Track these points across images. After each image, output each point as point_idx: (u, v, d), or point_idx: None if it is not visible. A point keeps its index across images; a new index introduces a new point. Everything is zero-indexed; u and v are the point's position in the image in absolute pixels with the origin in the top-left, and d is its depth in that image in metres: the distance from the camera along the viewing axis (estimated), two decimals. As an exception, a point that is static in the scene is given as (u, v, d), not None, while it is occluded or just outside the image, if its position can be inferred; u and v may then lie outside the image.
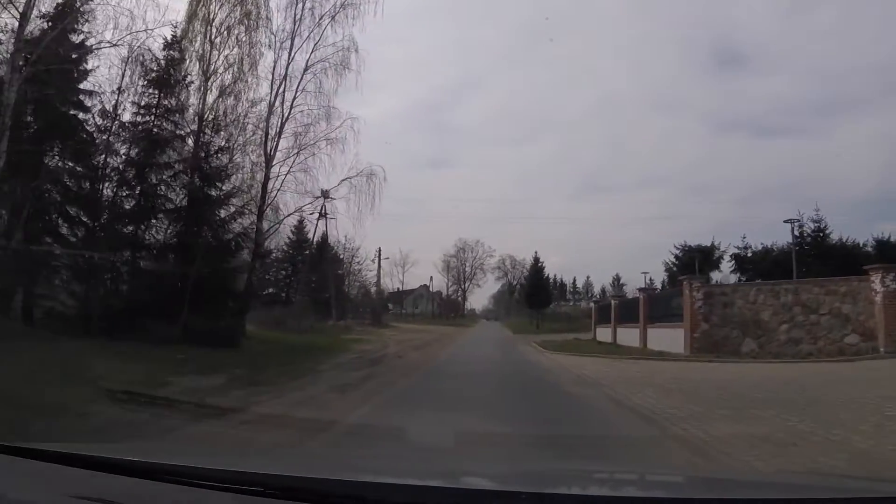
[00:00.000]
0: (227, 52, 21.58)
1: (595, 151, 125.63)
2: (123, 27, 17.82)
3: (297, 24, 23.12)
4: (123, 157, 19.99)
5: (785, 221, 39.47)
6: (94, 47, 18.62)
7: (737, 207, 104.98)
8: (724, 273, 47.92)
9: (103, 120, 19.83)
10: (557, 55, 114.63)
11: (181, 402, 8.97)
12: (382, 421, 8.79)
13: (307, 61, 23.32)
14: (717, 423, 8.63)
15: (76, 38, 19.01)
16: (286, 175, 23.32)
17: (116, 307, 17.52)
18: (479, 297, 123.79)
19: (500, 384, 15.13)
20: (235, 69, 21.50)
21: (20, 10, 16.05)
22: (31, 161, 17.19)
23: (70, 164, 19.23)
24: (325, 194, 27.60)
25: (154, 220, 20.07)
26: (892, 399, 10.05)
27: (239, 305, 21.82)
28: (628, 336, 31.23)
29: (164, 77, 20.18)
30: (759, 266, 40.53)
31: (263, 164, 22.55)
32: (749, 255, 44.12)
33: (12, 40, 16.15)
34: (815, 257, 37.69)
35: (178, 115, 20.52)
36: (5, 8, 16.01)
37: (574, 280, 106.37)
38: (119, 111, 19.95)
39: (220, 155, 21.17)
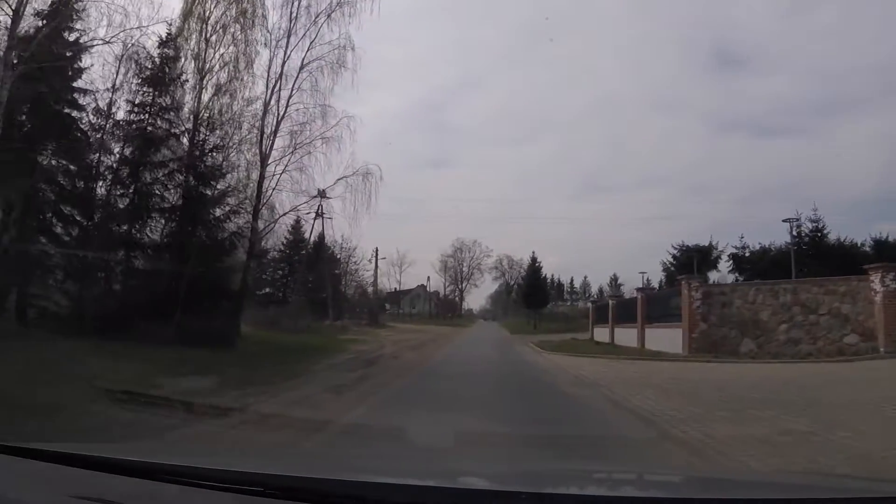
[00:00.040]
0: (222, 50, 21.41)
1: (593, 152, 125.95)
2: (117, 24, 17.73)
3: (293, 21, 22.95)
4: (117, 155, 19.91)
5: (784, 221, 39.69)
6: (86, 44, 18.53)
7: (735, 207, 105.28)
8: (722, 273, 47.96)
9: (97, 118, 19.76)
10: (557, 55, 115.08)
11: (173, 403, 8.82)
12: (377, 422, 8.79)
13: (303, 60, 23.14)
14: (717, 424, 8.56)
15: (70, 36, 18.87)
16: (282, 174, 23.15)
17: (110, 307, 17.38)
18: (477, 298, 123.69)
19: (497, 385, 15.05)
20: (231, 67, 21.33)
21: (13, 6, 15.90)
22: (25, 160, 17.05)
23: (64, 162, 19.05)
24: (322, 194, 27.60)
25: (148, 219, 19.93)
26: (893, 400, 9.98)
27: (234, 305, 21.69)
28: (626, 336, 31.16)
29: (159, 75, 20.10)
30: (757, 266, 40.47)
31: (259, 163, 22.38)
32: (747, 254, 44.08)
33: (5, 38, 16.00)
34: (813, 257, 37.64)
35: (172, 113, 20.44)
36: (-2, 5, 15.88)
37: (571, 280, 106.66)
38: (113, 109, 19.89)
39: (215, 153, 21.04)
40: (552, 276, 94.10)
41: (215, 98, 21.19)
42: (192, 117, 20.80)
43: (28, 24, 17.07)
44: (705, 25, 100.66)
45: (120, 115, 20.03)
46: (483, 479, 2.79)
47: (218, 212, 20.92)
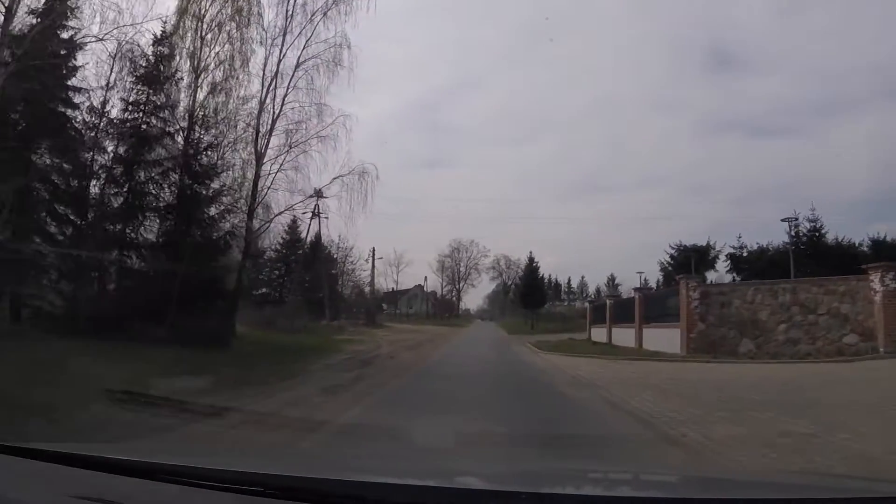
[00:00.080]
0: (217, 48, 21.40)
1: (590, 152, 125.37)
2: (110, 21, 17.63)
3: (289, 20, 22.94)
4: (111, 154, 19.82)
5: (783, 220, 39.81)
6: (80, 41, 18.43)
7: (732, 207, 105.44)
8: (720, 273, 47.90)
9: (91, 116, 19.65)
10: (556, 55, 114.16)
11: (167, 403, 8.68)
12: (373, 422, 8.79)
13: (299, 58, 23.16)
14: (717, 425, 8.48)
15: (64, 34, 18.75)
16: (277, 173, 23.21)
17: (104, 306, 17.32)
18: (474, 297, 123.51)
19: (494, 385, 14.97)
20: (226, 66, 21.31)
21: (6, 4, 15.80)
22: (19, 158, 16.92)
23: (58, 161, 18.91)
24: (319, 193, 27.48)
25: (142, 219, 19.84)
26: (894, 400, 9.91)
27: (229, 305, 21.62)
28: (624, 336, 31.08)
29: (154, 73, 20.03)
30: (755, 266, 40.44)
31: (254, 162, 22.37)
32: (744, 254, 44.12)
33: (-1, 35, 15.88)
34: (811, 257, 37.63)
35: (167, 111, 20.34)
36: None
37: (569, 280, 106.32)
38: (107, 108, 19.81)
39: (210, 152, 20.96)
40: (550, 276, 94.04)
41: (210, 96, 21.20)
42: (187, 116, 20.75)
43: (23, 22, 17.02)
44: (703, 26, 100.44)
45: (114, 113, 20.00)
46: (483, 479, 2.79)
47: (213, 211, 20.87)
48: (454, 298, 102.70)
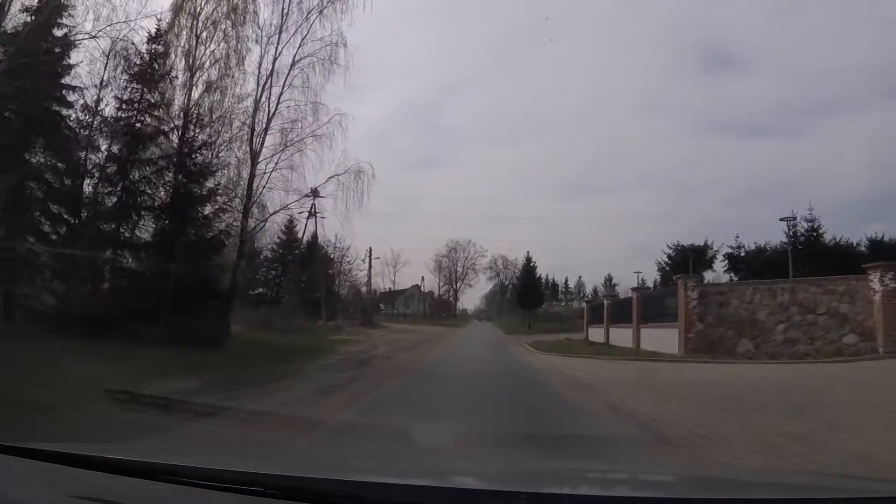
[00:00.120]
0: (213, 46, 21.21)
1: (588, 151, 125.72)
2: (104, 18, 17.48)
3: (285, 18, 22.78)
4: (105, 152, 19.66)
5: (781, 219, 39.84)
6: (72, 38, 18.24)
7: (730, 207, 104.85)
8: (718, 273, 47.98)
9: (85, 115, 19.49)
10: (555, 56, 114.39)
11: (159, 403, 8.62)
12: (369, 423, 8.76)
13: (294, 56, 23.03)
14: (717, 426, 8.39)
15: (59, 32, 18.59)
16: (272, 172, 23.08)
17: (98, 306, 17.12)
18: (471, 297, 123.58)
19: (490, 386, 14.89)
20: (222, 64, 21.12)
21: (-1, 1, 15.65)
22: (13, 157, 16.78)
23: (52, 160, 18.77)
24: (314, 192, 27.35)
25: (136, 218, 19.66)
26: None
27: (223, 305, 21.46)
28: (621, 336, 30.99)
29: (148, 71, 19.86)
30: (753, 265, 40.50)
31: (249, 161, 22.26)
32: (742, 254, 44.16)
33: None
34: (809, 257, 37.67)
35: (161, 110, 20.15)
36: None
37: (566, 280, 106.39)
38: (101, 106, 19.65)
39: (204, 151, 20.82)
40: (547, 276, 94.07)
41: (205, 95, 21.03)
42: (181, 114, 20.58)
43: (15, 19, 16.87)
44: (699, 26, 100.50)
45: (108, 111, 19.84)
46: (483, 479, 2.77)
47: (208, 210, 20.68)
48: (451, 298, 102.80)
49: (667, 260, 51.78)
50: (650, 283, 57.87)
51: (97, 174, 19.45)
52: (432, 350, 29.05)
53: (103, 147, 19.68)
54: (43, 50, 17.16)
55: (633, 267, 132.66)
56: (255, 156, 22.35)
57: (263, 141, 22.75)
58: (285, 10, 22.73)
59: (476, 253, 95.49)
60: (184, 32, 20.92)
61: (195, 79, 20.87)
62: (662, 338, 24.27)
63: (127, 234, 19.57)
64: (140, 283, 18.53)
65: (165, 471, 2.15)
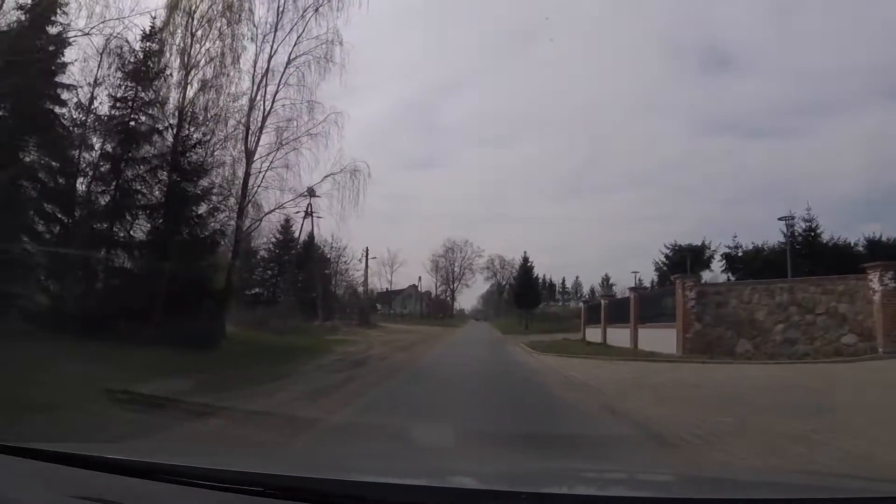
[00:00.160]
0: (208, 44, 21.11)
1: (586, 151, 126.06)
2: (97, 14, 17.36)
3: (280, 16, 22.75)
4: (99, 151, 19.52)
5: (780, 218, 39.92)
6: (66, 35, 18.10)
7: (727, 207, 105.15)
8: (715, 273, 48.03)
9: (78, 113, 19.36)
10: (553, 55, 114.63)
11: (155, 403, 8.68)
12: (364, 422, 8.81)
13: (290, 54, 22.99)
14: (717, 427, 8.27)
15: (53, 30, 18.45)
16: (268, 171, 23.05)
17: (91, 306, 16.96)
18: (468, 298, 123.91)
19: (486, 387, 14.78)
20: (217, 62, 21.02)
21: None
22: (6, 155, 16.65)
23: (45, 158, 18.61)
24: (311, 192, 27.28)
25: (130, 217, 19.49)
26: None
27: (218, 305, 21.30)
28: (618, 336, 30.88)
29: (142, 69, 19.72)
30: (750, 265, 40.57)
31: (244, 160, 22.15)
32: (740, 254, 44.18)
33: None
34: (807, 257, 37.74)
35: (156, 108, 20.00)
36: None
37: (563, 280, 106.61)
38: (95, 104, 19.52)
39: (199, 149, 20.67)
40: (544, 276, 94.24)
41: (200, 93, 20.90)
42: (176, 113, 20.41)
43: (8, 16, 16.76)
44: (696, 26, 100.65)
45: (102, 109, 19.69)
46: (483, 479, 2.77)
47: (202, 209, 20.56)
48: (448, 298, 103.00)
49: (664, 260, 51.88)
50: (647, 284, 57.90)
51: (91, 173, 19.31)
52: (429, 350, 29.03)
53: (97, 145, 19.54)
54: (36, 47, 17.00)
55: (631, 267, 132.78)
56: (250, 154, 22.28)
57: (259, 139, 22.72)
58: (281, 8, 22.73)
59: (473, 253, 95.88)
60: (179, 30, 20.88)
61: (190, 77, 20.78)
62: (660, 338, 24.14)
63: (121, 233, 19.39)
64: (134, 282, 18.37)
65: (165, 471, 2.17)
